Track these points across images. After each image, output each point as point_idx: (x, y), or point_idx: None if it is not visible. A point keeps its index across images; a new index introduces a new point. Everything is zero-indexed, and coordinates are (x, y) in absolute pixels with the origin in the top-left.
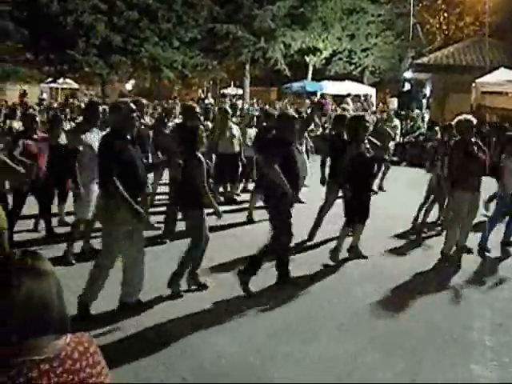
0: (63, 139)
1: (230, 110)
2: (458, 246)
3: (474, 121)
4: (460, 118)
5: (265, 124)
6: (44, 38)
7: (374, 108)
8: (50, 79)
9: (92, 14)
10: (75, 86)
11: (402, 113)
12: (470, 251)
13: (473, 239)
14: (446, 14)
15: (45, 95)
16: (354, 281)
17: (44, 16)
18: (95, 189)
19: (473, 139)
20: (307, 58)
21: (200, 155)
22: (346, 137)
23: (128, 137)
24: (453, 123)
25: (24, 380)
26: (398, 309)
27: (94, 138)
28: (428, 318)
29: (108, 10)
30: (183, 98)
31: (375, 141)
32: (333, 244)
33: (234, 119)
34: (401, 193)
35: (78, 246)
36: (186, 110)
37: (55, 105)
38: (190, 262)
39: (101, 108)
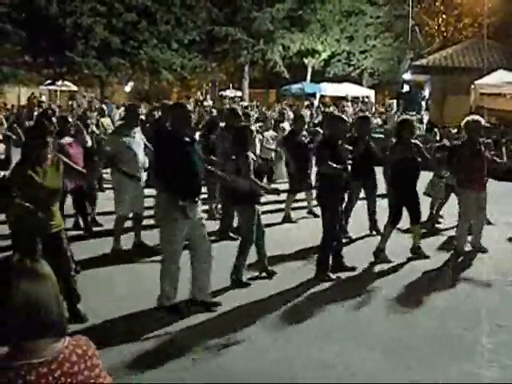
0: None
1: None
2: (472, 246)
3: (483, 121)
4: (468, 118)
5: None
6: (43, 40)
7: (373, 110)
8: (48, 81)
9: (91, 17)
10: (74, 88)
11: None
12: (484, 251)
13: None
14: (444, 16)
15: (44, 98)
16: (361, 279)
17: (42, 18)
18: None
19: (480, 139)
20: (306, 60)
21: (250, 153)
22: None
23: (186, 136)
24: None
25: (22, 383)
26: (399, 308)
27: (133, 138)
28: (428, 318)
29: (107, 12)
30: (182, 100)
31: (419, 143)
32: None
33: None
34: None
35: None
36: (231, 112)
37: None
38: (244, 256)
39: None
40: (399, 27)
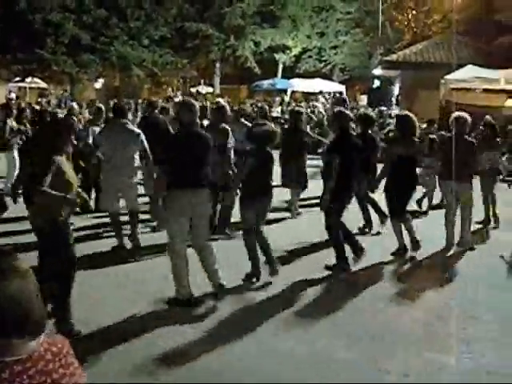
0: None
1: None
2: (460, 241)
3: (468, 118)
4: (454, 114)
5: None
6: (12, 36)
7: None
8: (17, 78)
9: (60, 13)
10: (44, 85)
11: (371, 110)
12: (472, 248)
13: None
14: (414, 12)
15: (13, 95)
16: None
17: (12, 14)
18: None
19: (465, 136)
20: (277, 56)
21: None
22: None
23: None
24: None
25: None
26: (374, 298)
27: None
28: (403, 309)
29: (76, 9)
30: (153, 97)
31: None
32: None
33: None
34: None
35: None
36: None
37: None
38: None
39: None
40: (369, 23)
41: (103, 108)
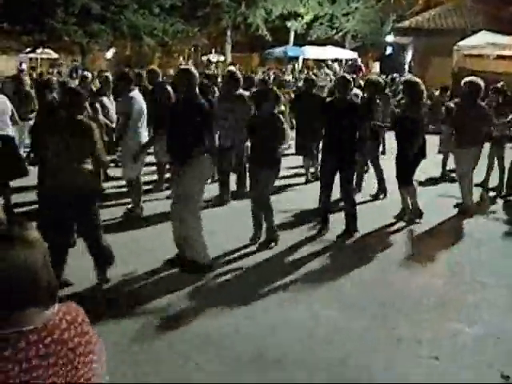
0: None
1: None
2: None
3: (482, 84)
4: (467, 79)
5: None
6: (21, 7)
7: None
8: (28, 49)
9: None
10: (55, 55)
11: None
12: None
13: None
14: None
15: (24, 66)
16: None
17: None
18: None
19: (478, 101)
20: (288, 24)
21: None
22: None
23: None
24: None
25: (12, 351)
26: (387, 267)
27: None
28: (412, 275)
29: None
30: (164, 66)
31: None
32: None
33: None
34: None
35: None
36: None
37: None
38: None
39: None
40: None
41: (110, 77)
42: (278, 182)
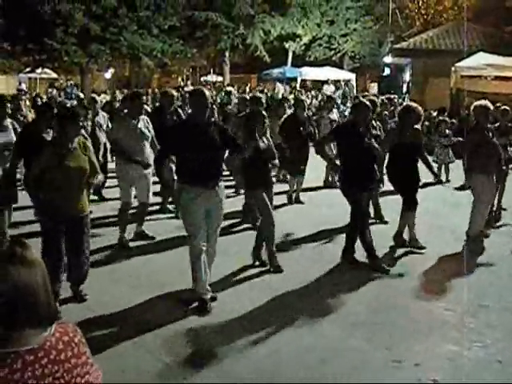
0: None
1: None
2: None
3: (491, 107)
4: (476, 103)
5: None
6: (21, 27)
7: (354, 93)
8: (28, 69)
9: (70, 3)
10: (54, 75)
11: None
12: (486, 236)
13: None
14: None
15: (23, 85)
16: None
17: (21, 5)
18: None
19: (488, 125)
20: (287, 45)
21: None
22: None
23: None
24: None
25: (8, 371)
26: (385, 286)
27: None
28: (410, 299)
29: None
30: (163, 86)
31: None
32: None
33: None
34: None
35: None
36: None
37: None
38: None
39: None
40: (379, 10)
41: (97, 98)
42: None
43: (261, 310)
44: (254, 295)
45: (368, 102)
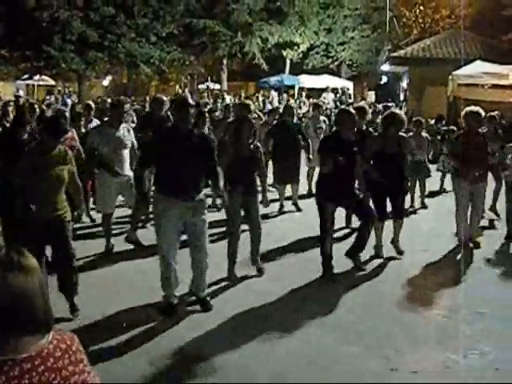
0: None
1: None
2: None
3: (483, 113)
4: (467, 109)
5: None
6: (19, 34)
7: (351, 101)
8: (25, 76)
9: (68, 10)
10: (52, 82)
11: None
12: (477, 246)
13: None
14: (421, 8)
15: (21, 92)
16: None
17: (19, 12)
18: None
19: (480, 130)
20: (284, 52)
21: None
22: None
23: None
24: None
25: (5, 379)
26: (378, 298)
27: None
28: (406, 307)
29: (84, 6)
30: (160, 94)
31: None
32: None
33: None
34: None
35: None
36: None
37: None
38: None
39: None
40: (377, 19)
41: (92, 105)
42: None
43: (254, 315)
44: (248, 301)
45: (352, 110)
